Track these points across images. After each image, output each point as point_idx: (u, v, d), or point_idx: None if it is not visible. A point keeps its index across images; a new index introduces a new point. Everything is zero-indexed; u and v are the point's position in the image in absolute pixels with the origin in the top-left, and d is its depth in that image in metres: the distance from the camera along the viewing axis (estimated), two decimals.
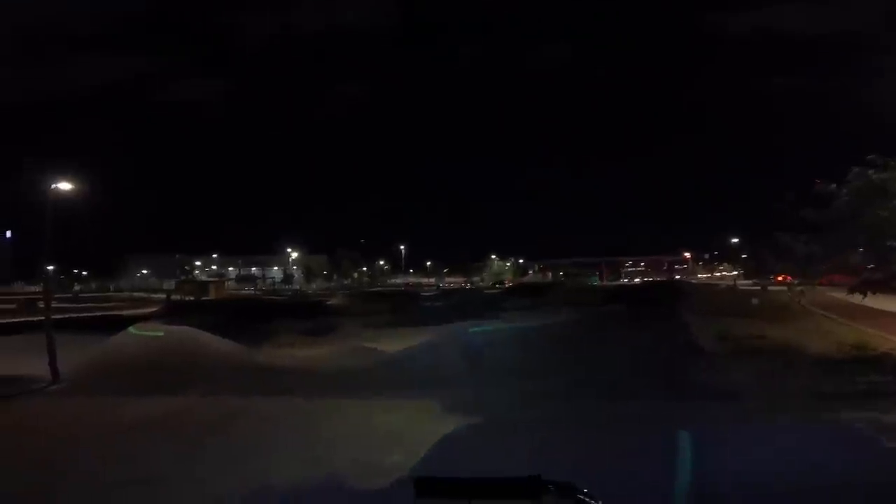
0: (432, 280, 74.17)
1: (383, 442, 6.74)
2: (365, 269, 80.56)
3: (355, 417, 8.20)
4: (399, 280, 74.44)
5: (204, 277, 67.39)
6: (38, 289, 33.48)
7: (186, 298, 39.67)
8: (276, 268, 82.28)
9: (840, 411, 6.74)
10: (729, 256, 61.14)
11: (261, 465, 5.74)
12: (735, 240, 49.65)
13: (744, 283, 39.65)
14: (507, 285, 54.09)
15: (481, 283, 68.12)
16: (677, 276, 68.50)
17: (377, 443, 6.75)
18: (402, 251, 80.00)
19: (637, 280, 74.19)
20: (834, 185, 10.53)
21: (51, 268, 19.34)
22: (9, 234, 69.66)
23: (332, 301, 35.13)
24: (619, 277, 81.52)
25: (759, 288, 28.32)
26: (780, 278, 20.29)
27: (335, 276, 77.49)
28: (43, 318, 13.46)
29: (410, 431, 7.15)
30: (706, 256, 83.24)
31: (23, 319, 19.29)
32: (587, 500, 1.14)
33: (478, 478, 1.19)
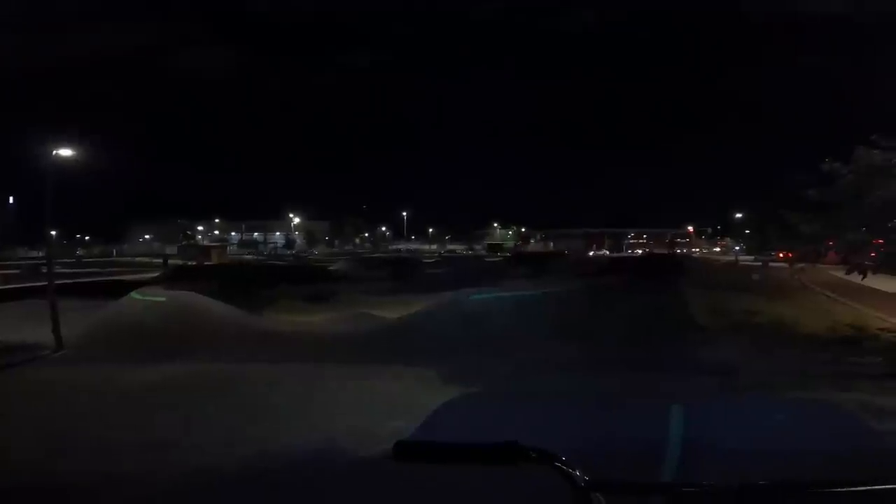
0: (434, 247, 74.43)
1: (382, 409, 6.89)
2: (367, 234, 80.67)
3: (354, 384, 8.37)
4: (401, 246, 74.64)
5: (206, 242, 67.62)
6: (41, 254, 33.68)
7: (188, 263, 39.87)
8: (278, 233, 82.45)
9: (829, 390, 6.86)
10: (733, 232, 61.08)
11: (260, 432, 5.90)
12: (739, 215, 49.58)
13: (745, 259, 39.83)
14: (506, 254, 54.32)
15: (482, 251, 68.34)
16: (678, 250, 68.52)
17: (376, 410, 6.91)
18: (404, 217, 79.98)
19: (625, 251, 74.25)
20: (839, 164, 10.49)
21: (53, 233, 19.41)
22: (11, 199, 69.48)
23: (333, 267, 35.32)
24: (622, 249, 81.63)
25: (760, 264, 28.45)
26: (781, 255, 20.33)
27: (337, 242, 77.68)
28: (46, 283, 13.59)
29: (409, 399, 7.30)
30: (709, 231, 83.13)
31: (27, 285, 19.44)
32: (565, 468, 1.13)
33: (456, 442, 1.18)
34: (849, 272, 11.35)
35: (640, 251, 73.15)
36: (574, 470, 1.12)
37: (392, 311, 15.53)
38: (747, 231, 50.12)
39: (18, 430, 5.99)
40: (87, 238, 70.35)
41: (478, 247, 76.17)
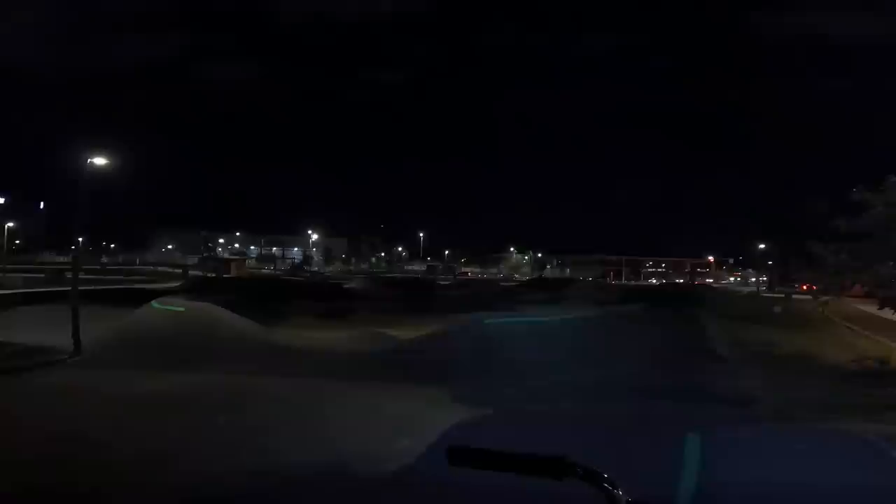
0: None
1: (391, 428, 6.82)
2: (383, 254, 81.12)
3: (364, 402, 8.32)
4: (417, 267, 74.72)
5: (226, 255, 68.71)
6: (67, 259, 34.56)
7: (208, 275, 40.45)
8: (296, 249, 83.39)
9: (853, 422, 6.61)
10: (755, 263, 59.91)
11: (268, 446, 5.88)
12: (762, 246, 48.55)
13: (767, 291, 38.98)
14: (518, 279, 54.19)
15: (498, 276, 68.15)
16: (705, 280, 67.39)
17: (385, 428, 6.84)
18: (421, 238, 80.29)
19: (653, 281, 73.19)
20: (870, 194, 10.25)
21: (80, 239, 19.94)
22: (42, 205, 71.73)
23: (348, 285, 35.53)
24: (639, 277, 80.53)
25: (782, 296, 27.82)
26: (804, 287, 19.85)
27: (353, 260, 78.21)
28: (70, 288, 13.90)
29: (418, 419, 7.22)
30: (730, 261, 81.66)
31: (50, 289, 19.92)
32: (610, 488, 1.14)
33: (506, 451, 1.20)
34: (882, 307, 11.01)
35: (655, 280, 72.16)
36: (617, 490, 1.14)
37: (405, 332, 15.49)
38: (770, 262, 49.12)
39: (21, 433, 6.04)
40: (111, 245, 72.10)
41: (494, 270, 75.69)
